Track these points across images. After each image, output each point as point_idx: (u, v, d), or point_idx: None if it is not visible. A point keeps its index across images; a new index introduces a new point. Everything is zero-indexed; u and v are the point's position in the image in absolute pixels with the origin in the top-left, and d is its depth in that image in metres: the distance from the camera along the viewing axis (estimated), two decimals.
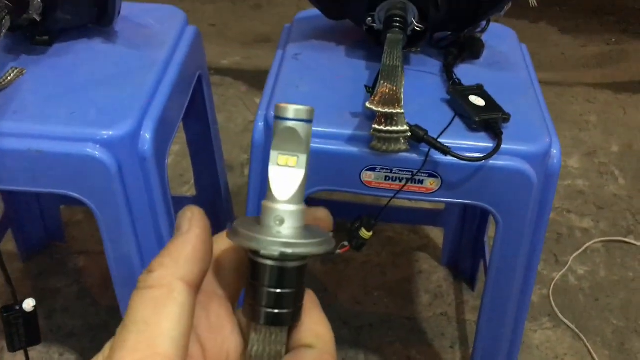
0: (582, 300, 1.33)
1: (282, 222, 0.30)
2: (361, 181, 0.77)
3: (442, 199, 0.77)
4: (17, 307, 0.82)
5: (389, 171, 0.76)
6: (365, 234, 0.80)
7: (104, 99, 0.77)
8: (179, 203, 1.33)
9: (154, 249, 0.83)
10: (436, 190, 0.77)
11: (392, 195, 0.78)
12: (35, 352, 1.16)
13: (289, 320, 0.31)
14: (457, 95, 0.79)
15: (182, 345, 0.27)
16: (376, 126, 0.71)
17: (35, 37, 0.86)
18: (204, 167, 1.17)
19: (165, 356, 0.27)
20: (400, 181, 0.76)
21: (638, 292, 1.35)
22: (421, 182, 0.77)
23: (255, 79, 1.97)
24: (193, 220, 0.30)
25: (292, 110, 0.30)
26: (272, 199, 0.31)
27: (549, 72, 2.08)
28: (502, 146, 0.73)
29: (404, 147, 0.74)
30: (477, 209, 1.25)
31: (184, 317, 0.28)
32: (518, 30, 1.01)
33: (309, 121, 0.30)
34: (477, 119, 0.75)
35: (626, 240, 1.46)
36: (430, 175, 0.76)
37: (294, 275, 0.30)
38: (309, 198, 1.37)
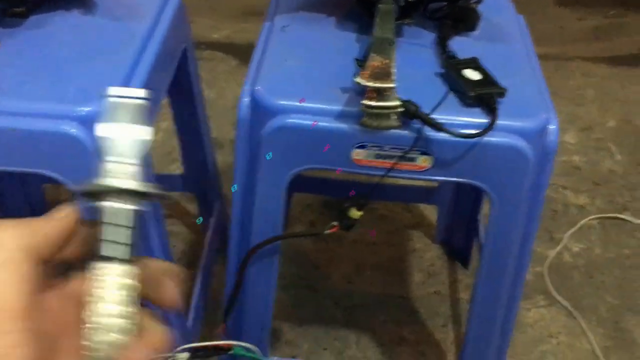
0: (576, 278, 1.32)
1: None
2: (351, 159, 0.74)
3: (435, 177, 0.75)
4: None
5: (380, 149, 0.73)
6: (355, 213, 0.77)
7: (82, 73, 0.74)
8: (167, 181, 1.31)
9: None
10: (429, 169, 0.74)
11: (383, 173, 0.75)
12: None
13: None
14: (451, 69, 0.76)
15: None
16: (366, 101, 0.68)
17: (11, 8, 0.82)
18: (190, 145, 1.14)
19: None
20: (392, 159, 0.74)
21: (633, 270, 1.33)
22: (413, 160, 0.74)
23: (247, 54, 1.90)
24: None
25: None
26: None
27: (545, 46, 2.04)
28: (497, 122, 0.70)
29: (395, 124, 0.71)
30: (471, 186, 1.23)
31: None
32: (515, 2, 0.97)
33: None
34: (471, 94, 0.72)
35: (622, 216, 1.45)
36: (423, 153, 0.73)
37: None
38: (299, 175, 1.34)
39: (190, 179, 1.23)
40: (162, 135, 1.61)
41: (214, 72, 1.86)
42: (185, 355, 0.84)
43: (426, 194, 1.33)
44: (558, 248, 1.37)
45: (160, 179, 1.33)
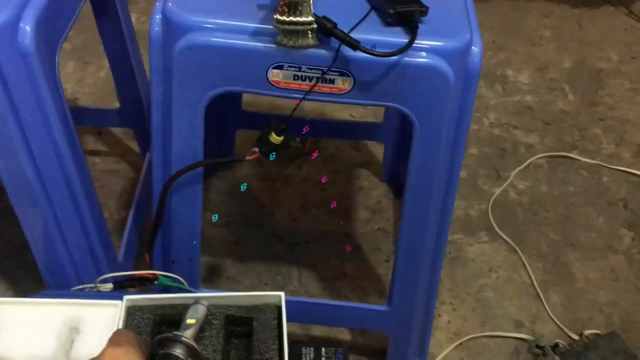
0: (520, 215, 1.32)
1: None
2: (268, 81, 0.71)
3: (355, 101, 0.73)
4: None
5: (298, 69, 0.70)
6: (275, 138, 0.75)
7: None
8: (103, 115, 1.27)
9: (51, 160, 0.77)
10: (349, 91, 0.72)
11: (302, 96, 0.72)
12: None
13: None
14: None
15: None
16: (278, 16, 0.65)
17: None
18: (123, 77, 1.10)
19: None
20: (310, 80, 0.71)
21: (577, 207, 1.34)
22: (332, 81, 0.71)
23: None
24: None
25: None
26: None
27: None
28: (418, 42, 0.68)
29: (312, 42, 0.68)
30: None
31: None
32: None
33: None
34: (391, 11, 0.69)
35: (570, 155, 1.45)
36: (342, 74, 0.70)
37: None
38: (241, 110, 1.31)
39: (126, 114, 1.19)
40: (106, 73, 1.55)
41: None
42: (109, 285, 0.83)
43: (371, 131, 1.32)
44: (504, 186, 1.37)
45: (97, 113, 1.29)
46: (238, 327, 0.68)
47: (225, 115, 1.26)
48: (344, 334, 1.11)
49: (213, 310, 0.67)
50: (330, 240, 1.25)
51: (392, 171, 1.34)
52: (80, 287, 0.82)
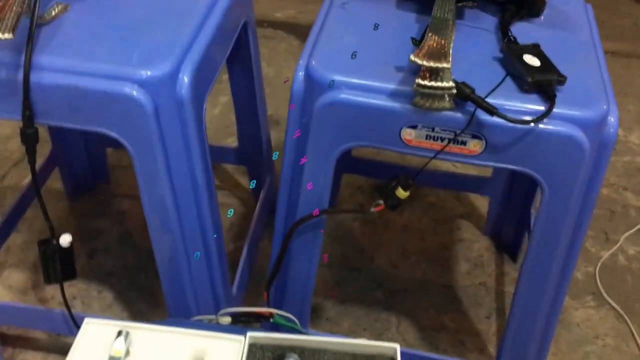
0: (629, 281, 1.27)
1: None
2: (401, 139, 0.74)
3: (486, 163, 0.74)
4: (54, 242, 0.83)
5: (431, 130, 0.73)
6: (401, 193, 0.77)
7: (145, 39, 0.76)
8: (221, 153, 1.34)
9: (188, 194, 0.82)
10: (480, 153, 0.73)
11: (432, 155, 0.74)
12: (75, 288, 1.20)
13: None
14: (510, 53, 0.74)
15: None
16: (420, 81, 0.68)
17: None
18: (246, 118, 1.16)
19: None
20: (442, 141, 0.73)
21: None
22: (464, 143, 0.73)
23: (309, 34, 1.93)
24: None
25: None
26: None
27: (617, 42, 1.96)
28: (555, 110, 0.69)
29: (448, 105, 0.70)
30: (526, 177, 1.20)
31: None
32: None
33: None
34: (529, 79, 0.71)
35: None
36: (474, 137, 0.72)
37: None
38: (350, 156, 1.34)
39: (243, 152, 1.25)
40: (221, 109, 1.64)
41: (275, 51, 1.88)
42: (228, 319, 0.86)
43: (478, 184, 1.31)
44: (613, 249, 1.33)
45: (215, 151, 1.36)
46: None
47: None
48: None
49: (329, 356, 0.69)
50: (429, 291, 1.25)
51: (496, 225, 1.33)
52: (200, 317, 0.87)
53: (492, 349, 1.15)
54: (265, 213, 1.26)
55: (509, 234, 1.31)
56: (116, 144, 0.73)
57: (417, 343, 1.16)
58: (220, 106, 1.65)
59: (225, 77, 1.09)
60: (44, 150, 1.30)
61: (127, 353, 0.69)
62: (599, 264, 1.29)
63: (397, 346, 0.69)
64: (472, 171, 1.50)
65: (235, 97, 1.14)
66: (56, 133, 1.27)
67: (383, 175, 1.38)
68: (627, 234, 1.36)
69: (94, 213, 1.37)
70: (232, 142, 1.55)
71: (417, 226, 1.38)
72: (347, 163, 1.32)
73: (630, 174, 1.52)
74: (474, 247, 1.34)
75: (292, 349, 0.70)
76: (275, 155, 0.82)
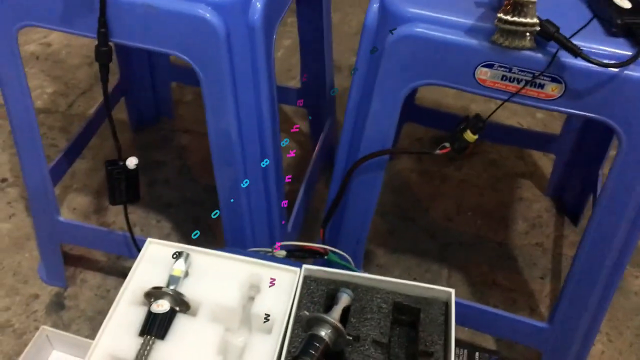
0: None
1: None
2: (475, 78, 0.71)
3: (562, 109, 0.71)
4: (121, 163, 0.85)
5: (508, 70, 0.70)
6: (470, 136, 0.75)
7: None
8: (284, 92, 1.33)
9: (253, 126, 0.82)
10: (557, 98, 0.70)
11: (506, 98, 0.72)
12: (135, 215, 1.24)
13: None
14: None
15: None
16: (502, 15, 0.65)
17: None
18: (311, 60, 1.14)
19: None
20: (519, 82, 0.70)
21: None
22: (542, 86, 0.70)
23: None
24: None
25: None
26: None
27: None
28: None
29: (529, 44, 0.67)
30: (597, 136, 1.16)
31: None
32: None
33: None
34: (618, 22, 0.67)
35: None
36: (554, 80, 0.69)
37: None
38: (413, 104, 1.31)
39: (305, 94, 1.24)
40: (284, 52, 1.63)
41: None
42: (283, 252, 0.87)
43: (545, 141, 1.27)
44: None
45: (277, 90, 1.35)
46: (403, 315, 0.69)
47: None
48: (487, 342, 1.09)
49: (382, 295, 0.69)
50: (483, 247, 1.23)
51: (559, 186, 1.29)
52: (256, 249, 0.88)
53: (544, 310, 1.13)
54: (322, 157, 1.26)
55: (572, 195, 1.26)
56: (182, 78, 0.73)
57: (467, 297, 1.15)
58: (282, 49, 1.64)
59: (290, 20, 1.08)
60: (111, 81, 1.32)
61: (187, 274, 0.70)
62: None
63: (452, 291, 0.68)
64: (539, 127, 1.45)
65: (302, 36, 1.13)
66: (124, 64, 1.28)
67: (444, 126, 1.35)
68: None
69: (155, 145, 1.39)
70: (293, 85, 1.54)
71: (476, 182, 1.35)
72: (410, 110, 1.29)
73: None
74: (534, 207, 1.31)
75: (346, 284, 0.70)
76: (335, 91, 0.80)
